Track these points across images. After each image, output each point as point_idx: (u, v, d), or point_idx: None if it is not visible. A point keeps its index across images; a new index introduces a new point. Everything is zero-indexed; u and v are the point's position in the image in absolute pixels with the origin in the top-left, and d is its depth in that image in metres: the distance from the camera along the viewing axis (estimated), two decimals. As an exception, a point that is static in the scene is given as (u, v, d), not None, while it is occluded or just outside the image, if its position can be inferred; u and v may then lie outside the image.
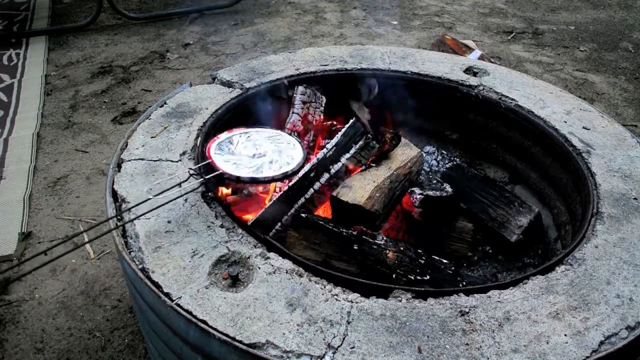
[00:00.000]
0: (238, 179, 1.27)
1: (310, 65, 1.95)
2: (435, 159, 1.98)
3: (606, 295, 1.08)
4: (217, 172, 1.26)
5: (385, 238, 1.35)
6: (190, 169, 1.27)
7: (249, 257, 1.14)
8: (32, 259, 0.99)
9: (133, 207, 1.20)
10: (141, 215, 1.21)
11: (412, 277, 1.24)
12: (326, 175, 1.48)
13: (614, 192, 1.37)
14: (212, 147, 1.33)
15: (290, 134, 1.46)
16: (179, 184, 1.25)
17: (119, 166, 1.44)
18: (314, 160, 1.52)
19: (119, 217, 1.25)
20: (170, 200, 1.20)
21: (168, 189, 1.23)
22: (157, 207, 1.18)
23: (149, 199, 1.17)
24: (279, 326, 0.99)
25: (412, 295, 1.07)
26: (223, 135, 1.39)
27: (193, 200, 1.30)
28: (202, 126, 1.60)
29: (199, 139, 1.54)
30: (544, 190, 1.79)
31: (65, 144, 2.82)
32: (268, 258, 1.15)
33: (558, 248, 1.60)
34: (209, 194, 1.32)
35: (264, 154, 1.34)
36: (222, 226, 1.23)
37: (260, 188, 1.57)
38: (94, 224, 1.33)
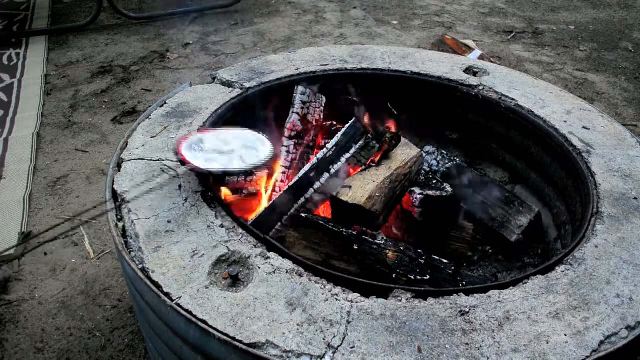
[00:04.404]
0: (210, 173, 1.35)
1: (310, 65, 1.95)
2: (435, 159, 1.98)
3: (606, 295, 1.08)
4: (189, 167, 1.33)
5: (385, 238, 1.35)
6: (163, 164, 1.35)
7: (249, 257, 1.15)
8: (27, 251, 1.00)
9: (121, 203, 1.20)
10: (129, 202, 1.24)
11: (412, 277, 1.24)
12: (326, 175, 1.49)
13: (614, 192, 1.37)
14: (183, 146, 1.40)
15: (258, 132, 1.52)
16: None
17: (119, 166, 1.44)
18: (314, 160, 1.52)
19: (118, 215, 1.25)
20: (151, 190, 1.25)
21: (154, 186, 1.29)
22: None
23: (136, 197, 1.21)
24: (279, 326, 0.99)
25: (412, 295, 1.07)
26: (193, 136, 1.47)
27: (193, 200, 1.30)
28: (202, 126, 1.60)
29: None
30: (544, 190, 1.79)
31: (65, 143, 2.82)
32: (268, 258, 1.15)
33: (558, 248, 1.60)
34: (209, 193, 1.32)
35: (233, 150, 1.43)
36: (222, 226, 1.23)
37: (259, 189, 1.58)
38: (88, 217, 1.34)
